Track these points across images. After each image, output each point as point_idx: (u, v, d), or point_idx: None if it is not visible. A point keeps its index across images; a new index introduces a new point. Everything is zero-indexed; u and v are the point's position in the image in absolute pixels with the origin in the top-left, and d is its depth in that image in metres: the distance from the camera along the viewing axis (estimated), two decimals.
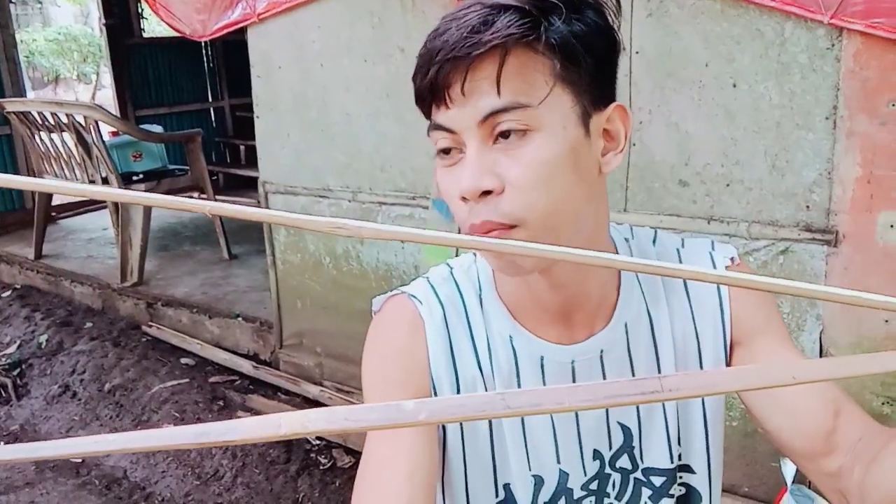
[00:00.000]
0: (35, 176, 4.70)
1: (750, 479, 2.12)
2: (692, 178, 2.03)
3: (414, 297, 0.85)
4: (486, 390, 0.83)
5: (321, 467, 2.74)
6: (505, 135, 0.68)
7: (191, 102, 6.71)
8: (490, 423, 0.84)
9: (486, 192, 0.67)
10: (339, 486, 2.65)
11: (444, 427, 0.83)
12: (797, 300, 1.94)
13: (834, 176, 1.83)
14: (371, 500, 0.74)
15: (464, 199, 0.68)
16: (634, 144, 2.09)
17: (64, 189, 0.31)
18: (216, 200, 4.60)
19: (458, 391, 0.83)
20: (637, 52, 2.02)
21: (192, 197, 5.92)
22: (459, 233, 0.69)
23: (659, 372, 0.84)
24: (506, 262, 0.72)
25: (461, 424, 0.83)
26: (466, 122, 0.68)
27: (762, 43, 1.86)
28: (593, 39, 0.69)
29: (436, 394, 0.82)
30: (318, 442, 2.87)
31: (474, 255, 0.89)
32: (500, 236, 0.68)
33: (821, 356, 1.93)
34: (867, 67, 1.74)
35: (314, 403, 3.05)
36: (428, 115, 0.74)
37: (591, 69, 0.70)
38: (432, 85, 0.68)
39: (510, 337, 0.83)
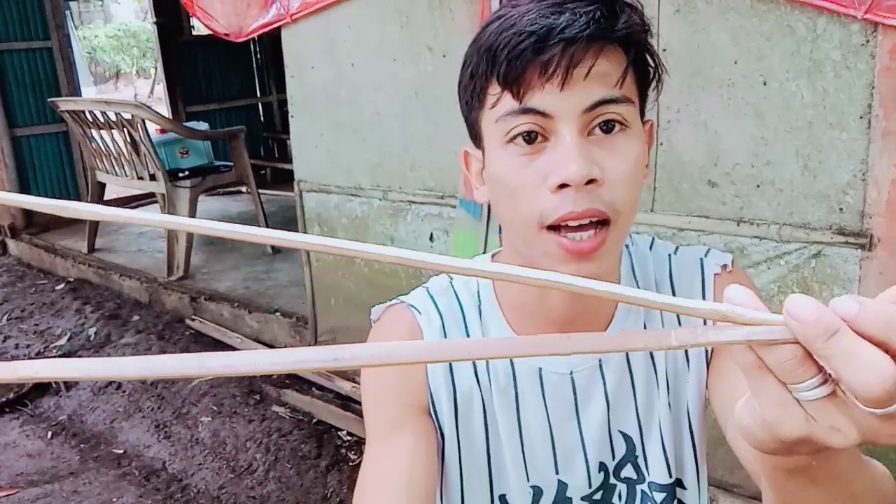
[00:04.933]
0: (89, 171, 4.86)
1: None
2: (721, 179, 1.97)
3: (413, 307, 0.85)
4: (483, 402, 0.83)
5: (350, 463, 2.77)
6: (606, 127, 0.68)
7: (239, 98, 6.83)
8: (487, 432, 0.84)
9: (590, 182, 0.66)
10: None
11: (441, 435, 0.83)
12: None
13: (868, 177, 1.75)
14: None
15: (561, 186, 0.66)
16: (662, 144, 2.03)
17: (35, 205, 0.34)
18: (259, 196, 4.68)
19: (456, 403, 0.83)
20: (664, 50, 1.96)
21: (238, 192, 6.03)
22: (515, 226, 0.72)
23: (657, 382, 0.84)
24: (590, 268, 0.69)
25: (458, 431, 0.83)
26: (570, 107, 0.66)
27: (793, 39, 1.78)
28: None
29: (434, 405, 0.82)
30: (348, 438, 2.91)
31: None
32: (597, 230, 0.68)
33: None
34: None
35: (346, 399, 3.08)
36: (482, 98, 0.71)
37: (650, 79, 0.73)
38: (547, 63, 0.65)
39: None
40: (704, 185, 2.00)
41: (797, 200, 1.87)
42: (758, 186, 1.92)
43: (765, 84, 1.86)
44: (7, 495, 2.81)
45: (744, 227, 1.95)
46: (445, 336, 0.83)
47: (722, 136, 1.95)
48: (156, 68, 15.33)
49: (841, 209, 1.81)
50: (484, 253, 2.44)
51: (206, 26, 3.18)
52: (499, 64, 0.67)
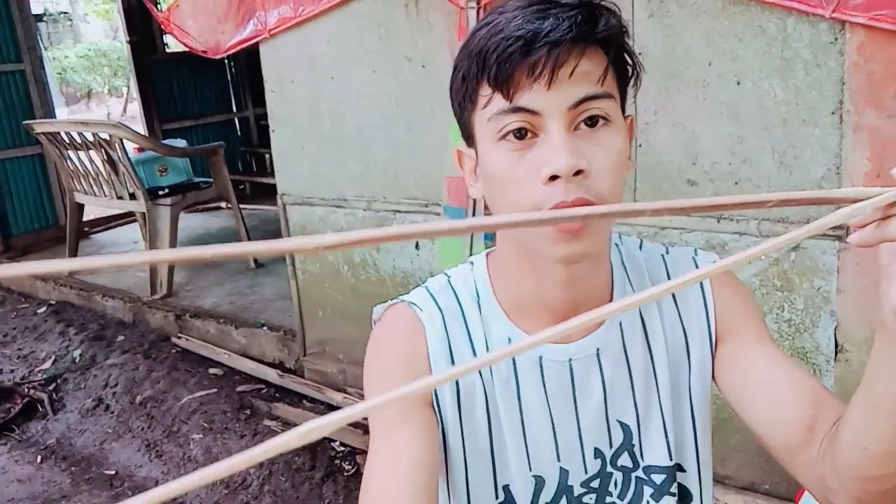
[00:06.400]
0: (67, 193, 4.83)
1: (770, 476, 2.10)
2: (700, 178, 2.02)
3: (414, 304, 0.88)
4: (486, 393, 0.86)
5: (345, 473, 2.78)
6: (591, 122, 0.73)
7: (216, 114, 6.81)
8: (489, 423, 0.86)
9: (578, 173, 0.71)
10: None
11: (443, 426, 0.85)
12: (811, 298, 1.92)
13: (842, 171, 1.81)
14: (374, 501, 0.77)
15: (552, 178, 0.71)
16: (641, 145, 2.08)
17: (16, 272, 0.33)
18: (241, 211, 4.67)
19: (459, 396, 0.85)
20: (640, 53, 2.00)
21: (219, 208, 6.00)
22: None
23: (654, 371, 0.87)
24: (582, 246, 0.74)
25: (461, 424, 0.85)
26: (557, 105, 0.71)
27: (765, 40, 1.84)
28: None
29: (437, 399, 0.85)
30: (342, 448, 2.91)
31: (471, 264, 0.91)
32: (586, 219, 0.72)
33: (836, 353, 1.90)
34: (872, 60, 1.71)
35: (338, 410, 3.08)
36: (474, 99, 0.75)
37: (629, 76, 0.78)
38: (535, 64, 0.70)
39: (508, 339, 0.85)
40: (684, 184, 2.05)
41: None
42: (736, 183, 1.97)
43: (739, 84, 1.91)
44: None
45: (724, 223, 2.00)
46: (447, 332, 0.85)
47: (699, 135, 1.99)
48: (128, 87, 15.22)
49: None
50: (471, 257, 2.45)
51: (183, 44, 3.19)
52: (489, 67, 0.72)
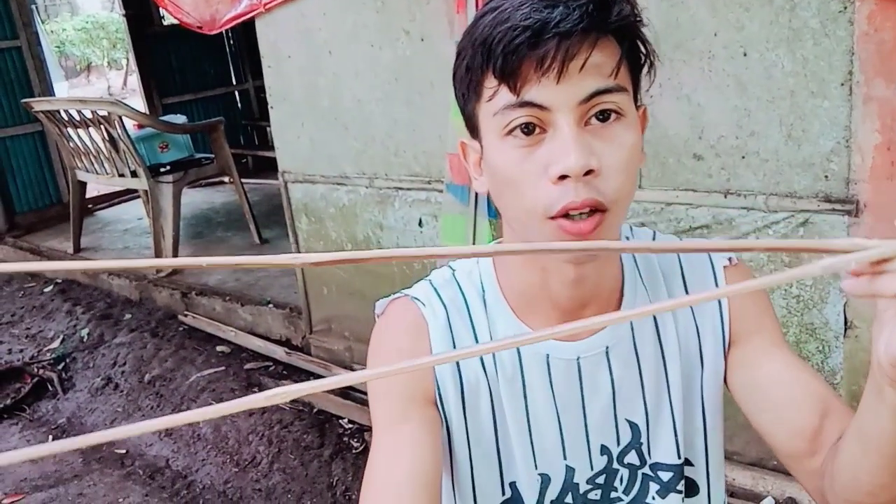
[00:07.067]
0: (69, 170, 4.81)
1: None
2: (706, 152, 1.98)
3: (417, 299, 0.86)
4: (491, 391, 0.84)
5: (354, 451, 2.79)
6: (602, 117, 0.69)
7: (215, 87, 6.74)
8: (495, 421, 0.85)
9: (588, 172, 0.68)
10: None
11: (447, 425, 0.84)
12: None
13: (852, 144, 1.77)
14: (375, 499, 0.76)
15: (561, 178, 0.68)
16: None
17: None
18: (243, 186, 4.64)
19: (463, 393, 0.84)
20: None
21: (221, 183, 5.97)
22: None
23: (665, 371, 0.85)
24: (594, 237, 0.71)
25: (466, 421, 0.84)
26: (566, 99, 0.68)
27: (771, 9, 1.79)
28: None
29: (440, 396, 0.83)
30: (350, 426, 2.93)
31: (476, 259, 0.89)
32: (597, 220, 0.69)
33: (845, 329, 1.88)
34: (882, 29, 1.66)
35: (346, 387, 3.09)
36: (478, 91, 0.72)
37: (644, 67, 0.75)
38: (543, 57, 0.66)
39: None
40: (690, 159, 2.01)
41: (783, 170, 1.88)
42: (743, 157, 1.93)
43: (745, 55, 1.86)
44: (13, 501, 2.82)
45: (731, 198, 1.96)
46: (451, 327, 0.84)
47: (705, 108, 1.95)
48: (127, 60, 15.10)
49: (826, 177, 1.82)
50: (473, 236, 2.42)
51: (178, 20, 3.14)
52: (495, 58, 0.68)
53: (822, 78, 1.77)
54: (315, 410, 3.05)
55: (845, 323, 1.88)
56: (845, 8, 1.70)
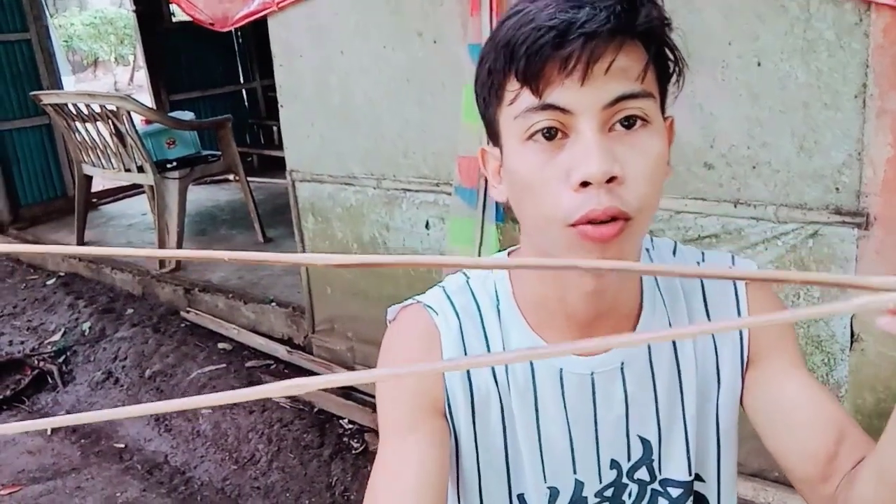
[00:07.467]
0: (75, 164, 4.82)
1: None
2: (717, 161, 1.98)
3: (430, 307, 0.84)
4: (502, 403, 0.83)
5: (353, 451, 2.79)
6: (627, 123, 0.67)
7: (223, 85, 6.76)
8: (504, 433, 0.84)
9: (611, 179, 0.66)
10: (371, 470, 2.69)
11: (456, 435, 0.83)
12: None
13: (864, 157, 1.77)
14: None
15: (583, 184, 0.66)
16: None
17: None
18: (248, 184, 4.64)
19: (473, 404, 0.83)
20: None
21: (227, 181, 5.97)
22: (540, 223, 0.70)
23: (681, 388, 0.84)
24: (612, 255, 0.69)
25: (475, 432, 0.83)
26: (590, 103, 0.66)
27: (787, 19, 1.79)
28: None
29: (449, 406, 0.82)
30: (350, 426, 2.92)
31: None
32: (620, 226, 0.67)
33: (851, 342, 1.88)
34: None
35: (347, 387, 3.09)
36: (500, 94, 0.70)
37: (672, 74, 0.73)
38: (567, 58, 0.64)
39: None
40: (700, 168, 2.01)
41: (793, 181, 1.88)
42: (754, 167, 1.93)
43: (759, 65, 1.86)
44: (10, 493, 2.81)
45: (741, 208, 1.96)
46: (463, 336, 0.82)
47: (717, 117, 1.95)
48: (134, 56, 15.13)
49: (837, 189, 1.82)
50: (480, 240, 2.41)
51: (190, 16, 3.14)
52: (517, 59, 0.66)
53: (835, 90, 1.77)
54: (315, 410, 3.04)
55: (851, 336, 1.88)
56: (861, 20, 1.70)
